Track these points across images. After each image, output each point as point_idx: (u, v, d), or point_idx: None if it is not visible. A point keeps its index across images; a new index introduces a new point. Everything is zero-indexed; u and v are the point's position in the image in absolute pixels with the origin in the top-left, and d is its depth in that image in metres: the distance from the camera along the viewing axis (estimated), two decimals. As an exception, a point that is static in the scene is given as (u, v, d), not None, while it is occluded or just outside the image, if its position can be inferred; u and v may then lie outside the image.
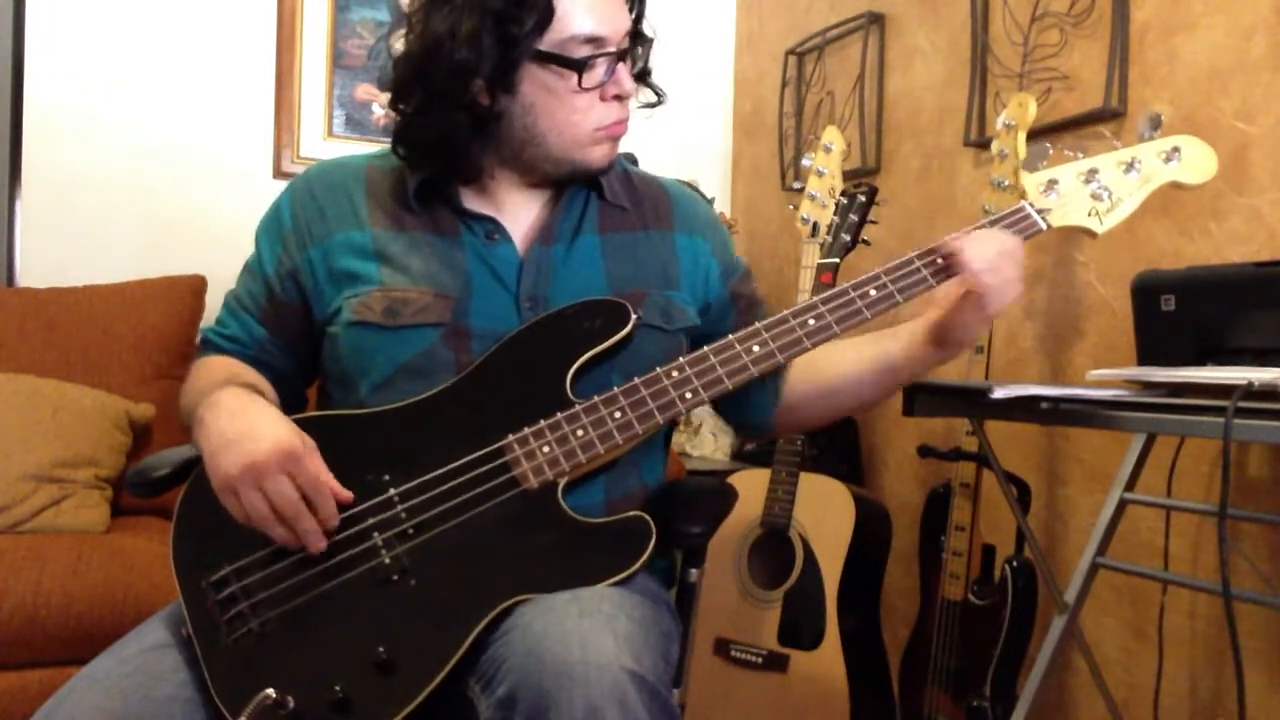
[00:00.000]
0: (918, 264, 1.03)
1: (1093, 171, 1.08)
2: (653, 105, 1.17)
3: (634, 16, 1.08)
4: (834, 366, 1.15)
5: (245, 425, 0.93)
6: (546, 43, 1.00)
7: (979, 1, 2.04)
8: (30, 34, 2.30)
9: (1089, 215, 1.08)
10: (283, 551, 0.94)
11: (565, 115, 1.04)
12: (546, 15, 0.99)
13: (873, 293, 1.02)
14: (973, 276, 0.99)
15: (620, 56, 1.03)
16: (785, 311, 1.01)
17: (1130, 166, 1.09)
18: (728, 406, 1.20)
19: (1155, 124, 1.10)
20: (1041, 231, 1.06)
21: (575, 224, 1.13)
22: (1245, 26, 1.54)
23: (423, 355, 1.04)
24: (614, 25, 1.02)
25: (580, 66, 1.01)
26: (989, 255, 0.99)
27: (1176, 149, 1.09)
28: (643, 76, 1.13)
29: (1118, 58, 1.73)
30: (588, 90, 1.03)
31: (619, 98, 1.05)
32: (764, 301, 1.23)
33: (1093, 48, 1.80)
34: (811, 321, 1.01)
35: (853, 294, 1.02)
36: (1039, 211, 1.07)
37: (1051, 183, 1.08)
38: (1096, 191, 1.08)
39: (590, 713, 0.77)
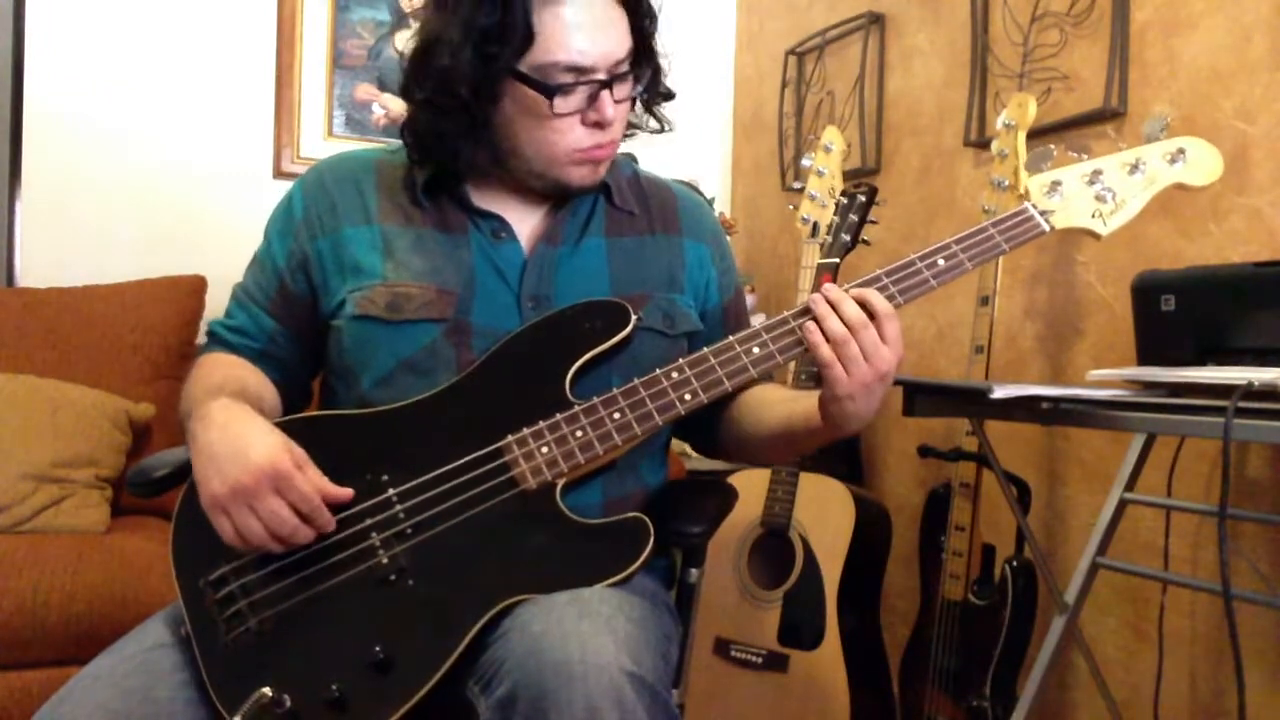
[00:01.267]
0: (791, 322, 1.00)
1: (1097, 173, 1.08)
2: (657, 132, 1.17)
3: (641, 37, 1.06)
4: (757, 417, 1.15)
5: (233, 441, 0.92)
6: (526, 64, 1.00)
7: (979, 1, 2.04)
8: (30, 34, 2.30)
9: (1093, 217, 1.07)
10: (279, 552, 0.94)
11: (543, 135, 1.04)
12: (527, 39, 0.99)
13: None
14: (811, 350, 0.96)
15: (604, 84, 1.02)
16: (786, 313, 1.01)
17: (1135, 168, 1.08)
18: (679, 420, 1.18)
19: (1161, 125, 1.10)
20: (1045, 233, 1.05)
21: (582, 226, 1.13)
22: (1245, 26, 1.54)
23: (424, 351, 1.04)
24: (600, 54, 1.01)
25: (553, 92, 1.00)
26: (836, 333, 0.94)
27: (1182, 150, 1.08)
28: (649, 101, 1.13)
29: (1118, 58, 1.73)
30: (564, 115, 1.02)
31: (599, 124, 1.04)
32: (749, 323, 1.24)
33: (1093, 48, 1.80)
34: (811, 324, 1.00)
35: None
36: (1042, 213, 1.06)
37: (1055, 184, 1.07)
38: (1100, 193, 1.07)
39: (589, 713, 0.77)
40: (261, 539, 0.90)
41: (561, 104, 1.02)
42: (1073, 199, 1.07)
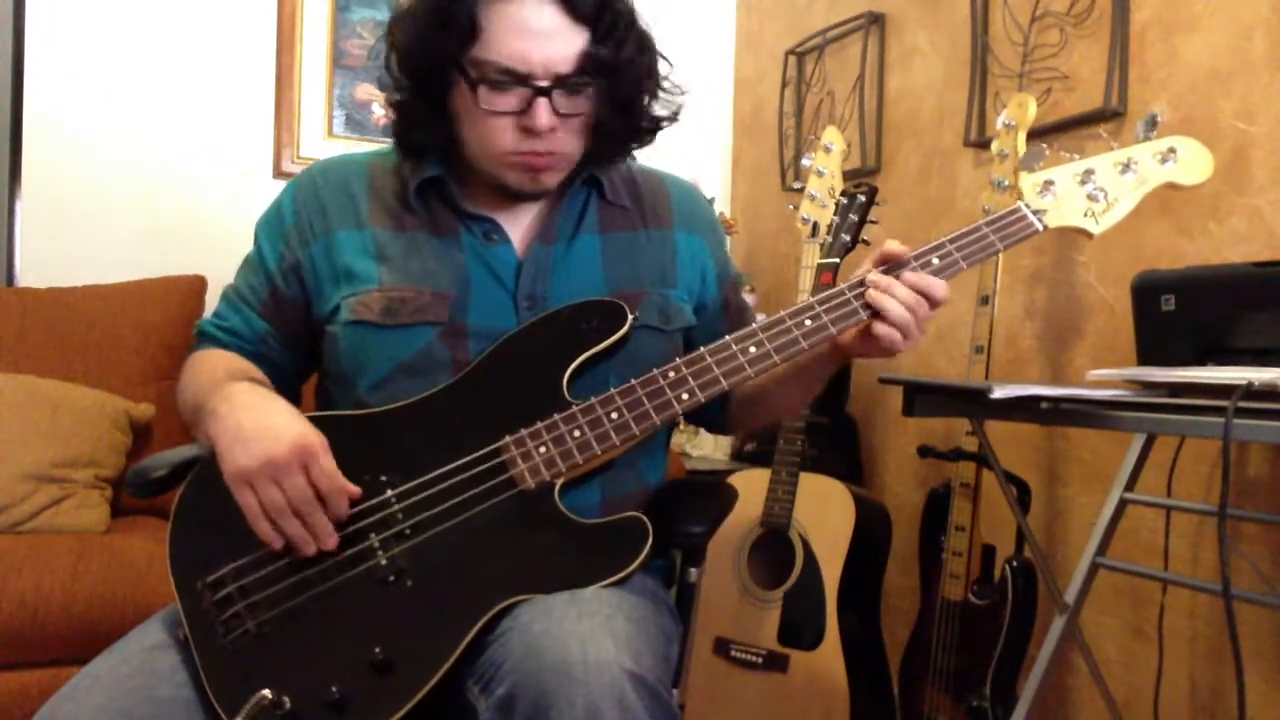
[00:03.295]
0: (848, 295, 1.02)
1: (1089, 172, 1.08)
2: (625, 152, 1.15)
3: (604, 56, 1.02)
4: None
5: (263, 420, 0.93)
6: (469, 56, 1.01)
7: (979, 1, 2.04)
8: (30, 34, 2.30)
9: (1085, 216, 1.08)
10: (279, 552, 0.94)
11: (481, 132, 1.04)
12: (471, 33, 1.00)
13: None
14: (877, 325, 1.00)
15: (542, 92, 1.00)
16: (782, 313, 1.01)
17: (1126, 167, 1.08)
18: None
19: (1152, 124, 1.10)
20: (1038, 232, 1.06)
21: (575, 223, 1.13)
22: (1245, 26, 1.54)
23: (420, 354, 1.04)
24: (540, 62, 0.99)
25: (477, 85, 1.00)
26: (902, 314, 1.00)
27: (1172, 149, 1.09)
28: (623, 116, 1.08)
29: (1118, 58, 1.73)
30: (495, 113, 1.02)
31: (530, 130, 1.02)
32: (751, 311, 1.24)
33: (1093, 48, 1.80)
34: (808, 322, 1.00)
35: (848, 294, 1.01)
36: (1035, 212, 1.06)
37: (1048, 183, 1.08)
38: (1092, 192, 1.08)
39: (590, 713, 0.77)
40: (282, 511, 0.91)
41: (491, 100, 1.01)
42: (1065, 198, 1.08)
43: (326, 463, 0.92)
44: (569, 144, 1.06)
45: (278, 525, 0.92)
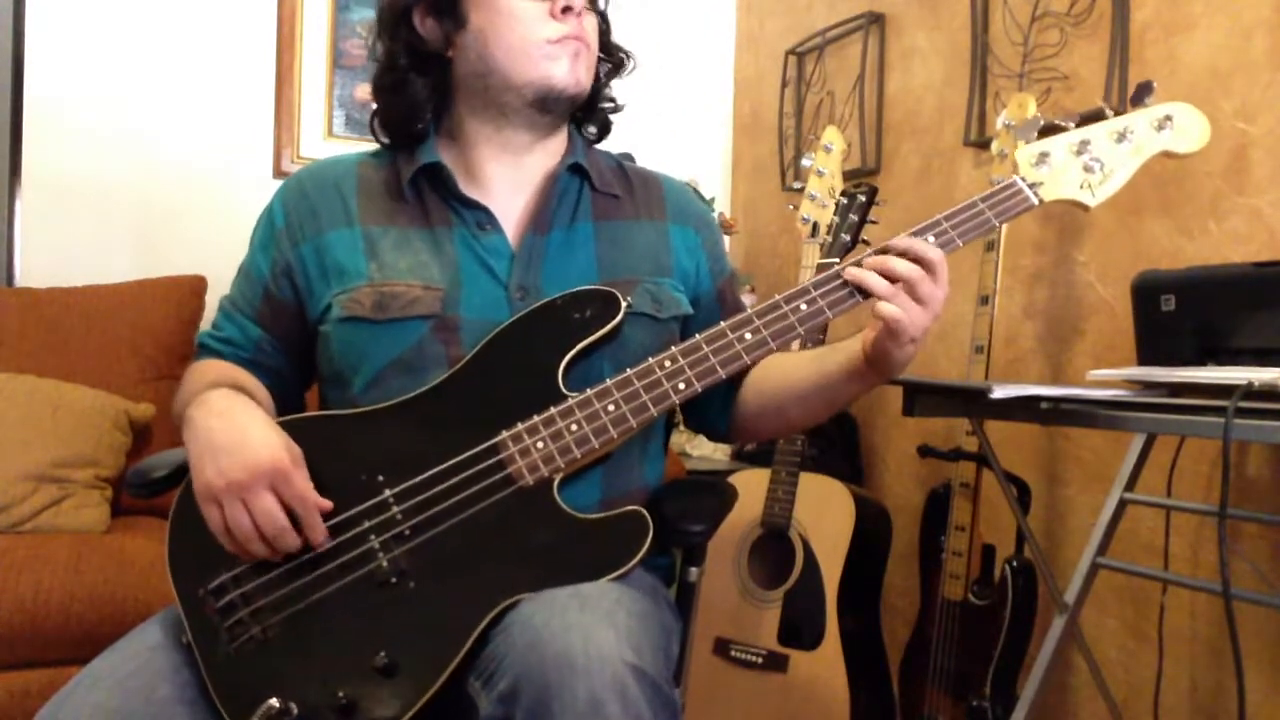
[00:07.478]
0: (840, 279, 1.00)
1: (1084, 143, 1.06)
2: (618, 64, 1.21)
3: None
4: (782, 383, 1.13)
5: (235, 432, 0.92)
6: None
7: (979, 1, 2.04)
8: (30, 33, 2.30)
9: (1081, 188, 1.06)
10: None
11: (516, 33, 1.06)
12: None
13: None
14: (879, 306, 0.97)
15: None
16: (777, 297, 1.00)
17: (1122, 136, 1.06)
18: (687, 409, 1.20)
19: (1147, 91, 1.08)
20: (1034, 206, 1.04)
21: (570, 211, 1.13)
22: (1245, 26, 1.54)
23: (413, 349, 1.03)
24: None
25: None
26: (890, 284, 0.96)
27: (1169, 117, 1.07)
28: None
29: (1118, 58, 1.73)
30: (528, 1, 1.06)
31: (567, 9, 1.06)
32: (746, 308, 1.24)
33: (1093, 48, 1.80)
34: (804, 307, 0.99)
35: (843, 276, 1.00)
36: (1031, 185, 1.04)
37: (1043, 155, 1.06)
38: (1088, 163, 1.06)
39: (592, 705, 0.77)
40: (248, 535, 0.90)
41: None
42: (1061, 170, 1.06)
43: (300, 483, 0.91)
44: (594, 36, 1.11)
45: (244, 547, 0.91)
